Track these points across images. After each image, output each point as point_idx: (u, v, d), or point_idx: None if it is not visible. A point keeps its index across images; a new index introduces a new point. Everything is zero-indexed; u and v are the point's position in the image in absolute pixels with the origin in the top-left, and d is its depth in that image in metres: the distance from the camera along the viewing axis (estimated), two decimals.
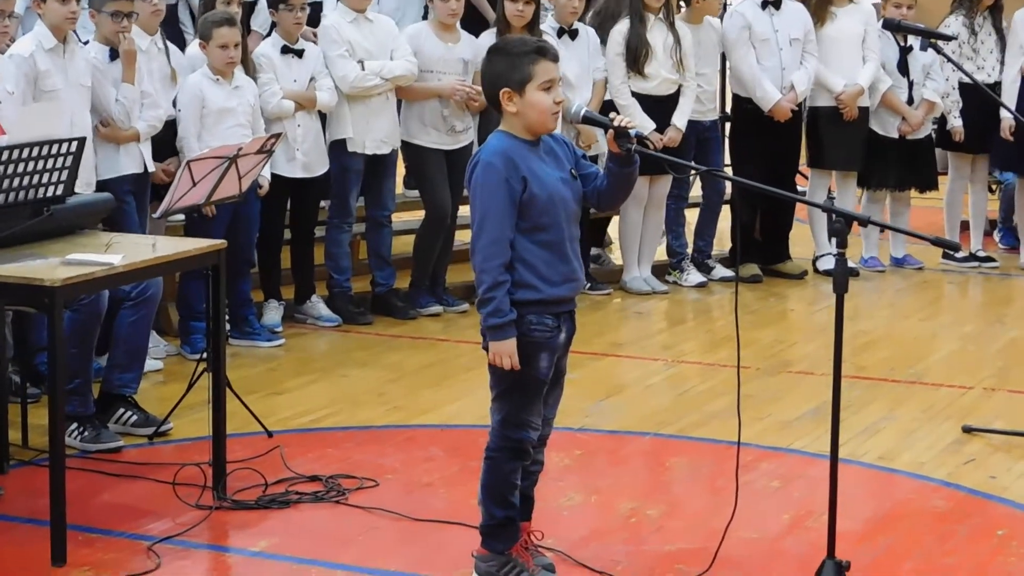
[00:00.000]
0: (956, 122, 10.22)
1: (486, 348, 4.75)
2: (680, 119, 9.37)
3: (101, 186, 7.22)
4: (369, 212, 8.83)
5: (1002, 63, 10.15)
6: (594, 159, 9.43)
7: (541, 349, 4.73)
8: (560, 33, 9.09)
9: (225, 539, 5.44)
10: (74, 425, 6.21)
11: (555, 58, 4.72)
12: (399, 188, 9.36)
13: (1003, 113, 9.81)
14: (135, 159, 7.60)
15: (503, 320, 4.63)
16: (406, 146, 8.94)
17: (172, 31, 8.47)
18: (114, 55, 7.42)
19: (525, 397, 4.76)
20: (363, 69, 8.47)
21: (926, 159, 10.24)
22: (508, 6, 8.72)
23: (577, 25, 9.20)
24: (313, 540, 5.33)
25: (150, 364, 7.20)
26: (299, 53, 8.36)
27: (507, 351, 4.65)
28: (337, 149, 8.56)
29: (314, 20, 8.84)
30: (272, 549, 5.27)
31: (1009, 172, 10.53)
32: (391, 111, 8.71)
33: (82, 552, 5.14)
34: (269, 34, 8.53)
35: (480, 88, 6.03)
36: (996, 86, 10.04)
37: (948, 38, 9.04)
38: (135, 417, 6.51)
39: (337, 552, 5.22)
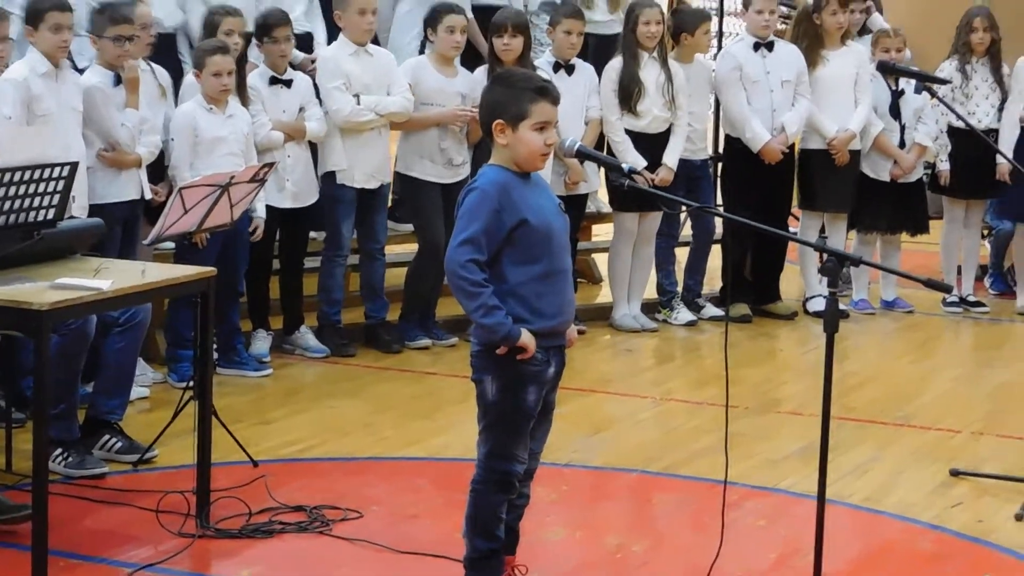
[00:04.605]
0: (943, 165, 10.26)
1: (475, 380, 4.75)
2: (671, 158, 9.38)
3: (96, 210, 7.22)
4: (361, 245, 8.84)
5: (998, 109, 10.17)
6: (583, 198, 9.47)
7: (530, 382, 4.73)
8: (556, 68, 9.11)
9: (207, 567, 5.42)
10: (58, 450, 6.19)
11: (555, 101, 4.72)
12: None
13: (999, 158, 9.87)
14: (135, 185, 7.62)
15: (505, 320, 4.61)
16: (401, 178, 8.95)
17: (171, 61, 8.49)
18: (117, 80, 7.46)
19: (512, 430, 4.75)
20: (359, 103, 8.50)
21: (917, 202, 10.27)
22: (495, 41, 8.79)
23: (575, 61, 9.23)
24: (296, 570, 5.30)
25: (136, 391, 7.18)
26: (287, 83, 8.38)
27: (527, 341, 4.64)
28: (328, 180, 8.59)
29: (305, 48, 8.93)
30: None
31: (1011, 219, 10.52)
32: (383, 146, 8.73)
33: None
34: None
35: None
36: (990, 133, 10.05)
37: (943, 82, 9.13)
38: (120, 444, 6.49)
39: None
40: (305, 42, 9.00)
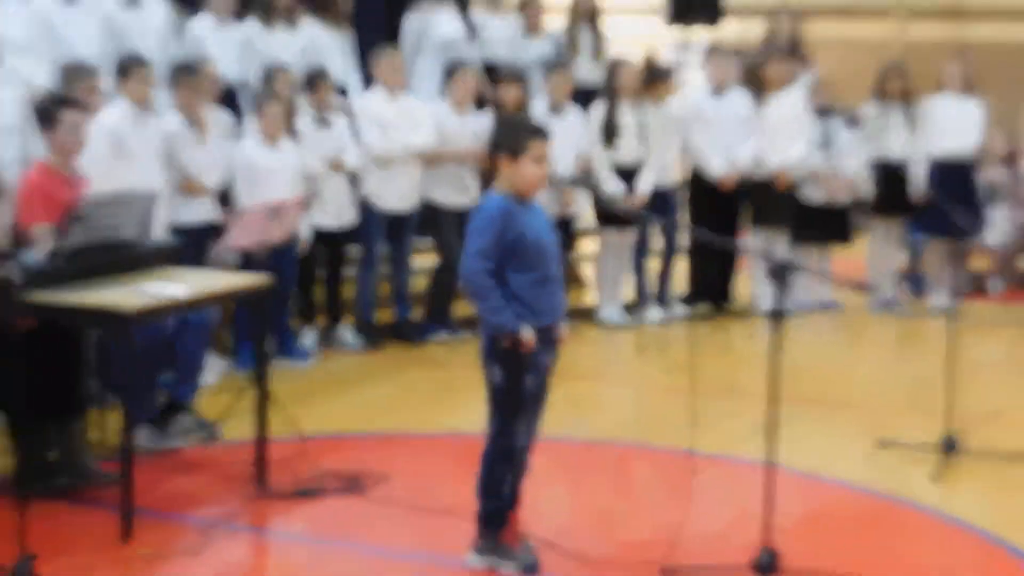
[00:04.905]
0: (867, 190, 10.24)
1: (485, 368, 4.74)
2: (644, 186, 9.34)
3: (174, 230, 7.23)
4: (391, 257, 8.85)
5: (911, 143, 10.15)
6: (569, 221, 9.44)
7: (529, 370, 4.74)
8: (550, 110, 9.10)
9: (265, 523, 5.42)
10: (142, 427, 6.17)
11: (546, 139, 4.76)
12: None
13: (911, 184, 9.89)
14: (206, 209, 7.63)
15: (509, 318, 4.62)
16: (424, 203, 8.94)
17: (234, 108, 8.51)
18: (190, 123, 7.47)
19: (515, 410, 4.75)
20: (390, 139, 8.51)
21: (843, 219, 10.24)
22: (499, 89, 8.86)
23: (565, 105, 9.20)
24: (339, 526, 5.31)
25: (206, 378, 7.16)
26: (329, 125, 8.38)
27: (527, 336, 4.64)
28: (364, 205, 8.59)
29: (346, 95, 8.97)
30: (304, 532, 5.25)
31: (925, 233, 10.51)
32: (410, 176, 8.71)
33: (145, 531, 5.12)
34: None
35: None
36: (903, 163, 10.07)
37: (863, 121, 9.18)
38: (192, 422, 6.48)
39: (358, 535, 5.20)
40: (344, 91, 9.03)
